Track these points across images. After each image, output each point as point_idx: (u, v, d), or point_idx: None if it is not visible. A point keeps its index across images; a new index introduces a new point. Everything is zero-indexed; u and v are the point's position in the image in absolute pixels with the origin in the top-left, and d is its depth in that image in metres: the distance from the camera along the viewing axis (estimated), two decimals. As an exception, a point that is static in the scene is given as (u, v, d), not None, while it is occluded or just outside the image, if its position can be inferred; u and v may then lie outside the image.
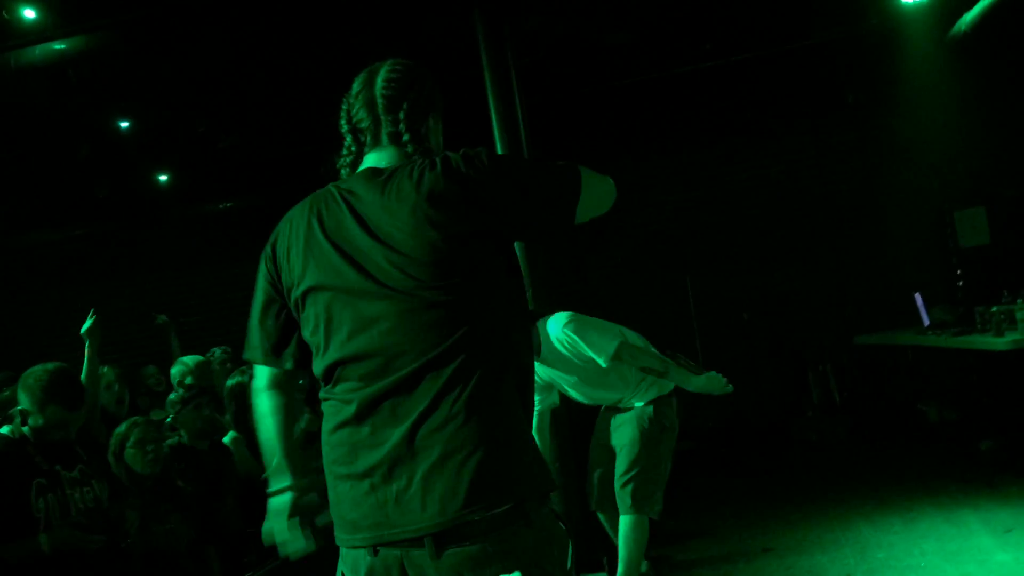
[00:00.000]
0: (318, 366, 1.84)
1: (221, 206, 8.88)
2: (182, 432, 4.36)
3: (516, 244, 1.96)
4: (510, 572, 1.68)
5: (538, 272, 4.79)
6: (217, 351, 6.07)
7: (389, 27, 6.19)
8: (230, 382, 4.72)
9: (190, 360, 5.41)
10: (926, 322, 6.93)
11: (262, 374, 1.96)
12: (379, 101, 1.90)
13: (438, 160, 1.80)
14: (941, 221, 7.96)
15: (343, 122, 1.95)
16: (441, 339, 1.71)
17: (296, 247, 1.85)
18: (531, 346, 2.00)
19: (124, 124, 7.03)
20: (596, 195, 1.87)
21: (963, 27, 6.68)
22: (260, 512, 1.97)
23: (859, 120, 7.47)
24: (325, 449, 1.83)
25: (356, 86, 1.94)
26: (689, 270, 8.31)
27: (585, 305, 8.25)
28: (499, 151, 4.82)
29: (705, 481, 7.29)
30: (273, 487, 1.94)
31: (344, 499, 1.77)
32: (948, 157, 7.82)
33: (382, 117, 1.90)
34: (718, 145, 8.40)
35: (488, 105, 5.04)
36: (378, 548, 1.73)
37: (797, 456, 7.28)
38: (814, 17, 7.34)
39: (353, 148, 1.95)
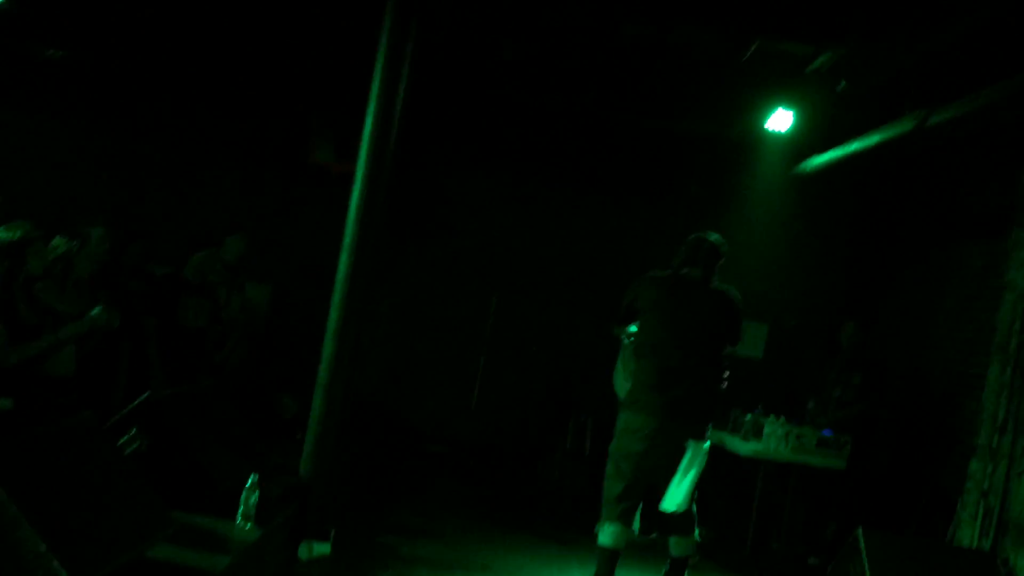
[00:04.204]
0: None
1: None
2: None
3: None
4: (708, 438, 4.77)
5: (366, 252, 4.80)
6: None
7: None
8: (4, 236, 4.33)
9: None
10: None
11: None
12: (709, 261, 4.88)
13: (727, 296, 4.87)
14: (728, 325, 8.61)
15: (686, 256, 4.91)
16: (697, 358, 4.76)
17: (649, 296, 4.88)
18: (723, 365, 4.92)
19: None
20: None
21: (807, 168, 7.36)
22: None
23: (693, 211, 7.94)
24: (637, 377, 4.86)
25: (702, 244, 4.90)
26: (497, 290, 8.53)
27: (393, 288, 8.32)
28: (373, 110, 4.87)
29: (449, 486, 7.51)
30: None
31: (649, 398, 4.74)
32: (754, 271, 8.51)
33: (709, 264, 4.86)
34: (564, 185, 8.69)
35: (374, 66, 5.03)
36: (662, 420, 4.69)
37: (538, 490, 7.63)
38: (688, 108, 7.83)
39: (692, 267, 4.87)
